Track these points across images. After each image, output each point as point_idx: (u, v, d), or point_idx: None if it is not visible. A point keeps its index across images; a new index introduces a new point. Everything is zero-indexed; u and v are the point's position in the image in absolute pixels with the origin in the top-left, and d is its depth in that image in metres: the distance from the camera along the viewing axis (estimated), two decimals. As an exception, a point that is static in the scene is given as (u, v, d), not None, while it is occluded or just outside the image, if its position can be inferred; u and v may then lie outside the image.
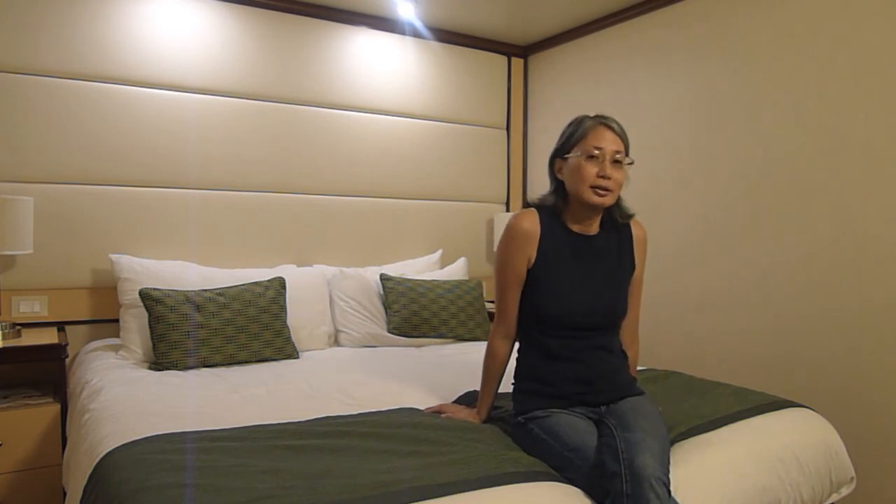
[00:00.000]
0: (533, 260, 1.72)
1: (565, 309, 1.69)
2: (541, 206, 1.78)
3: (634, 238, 1.82)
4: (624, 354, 1.80)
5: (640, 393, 1.74)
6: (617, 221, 1.78)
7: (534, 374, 1.73)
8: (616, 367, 1.74)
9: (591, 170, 1.64)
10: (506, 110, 4.01)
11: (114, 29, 2.82)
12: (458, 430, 1.68)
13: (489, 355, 1.83)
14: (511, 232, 1.74)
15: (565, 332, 1.70)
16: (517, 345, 1.85)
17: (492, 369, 1.82)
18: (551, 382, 1.69)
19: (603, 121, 1.68)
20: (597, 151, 1.65)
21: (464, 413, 1.85)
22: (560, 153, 1.73)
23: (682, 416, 1.79)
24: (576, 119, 1.73)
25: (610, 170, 1.64)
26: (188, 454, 1.47)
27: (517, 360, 1.82)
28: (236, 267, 2.96)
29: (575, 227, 1.75)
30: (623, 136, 1.68)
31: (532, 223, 1.73)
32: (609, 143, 1.65)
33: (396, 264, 3.43)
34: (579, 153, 1.66)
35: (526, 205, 1.81)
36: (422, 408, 1.93)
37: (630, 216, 1.80)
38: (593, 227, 1.76)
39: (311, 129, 3.31)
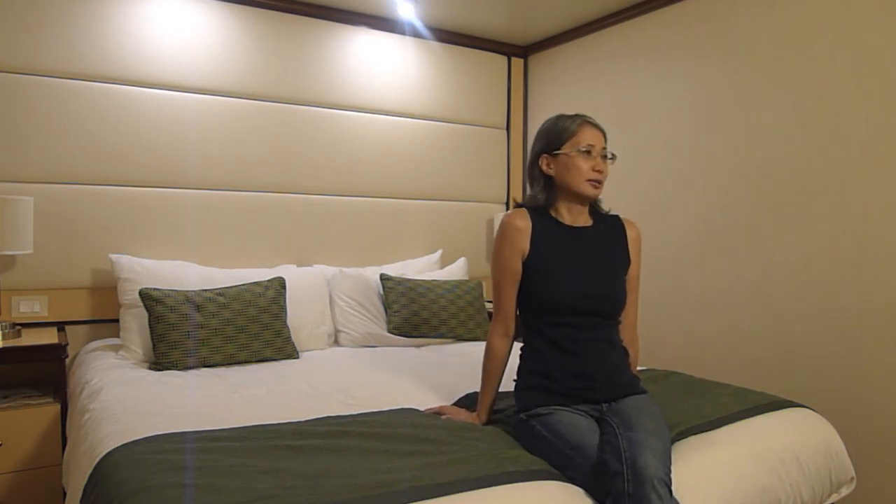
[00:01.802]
0: (527, 252, 1.77)
1: (564, 291, 1.73)
2: (531, 206, 1.85)
3: (629, 237, 1.88)
4: (626, 351, 1.81)
5: (643, 392, 1.75)
6: (600, 212, 1.89)
7: (535, 370, 1.75)
8: (617, 363, 1.75)
9: (586, 164, 1.76)
10: (506, 110, 4.01)
11: (114, 29, 2.82)
12: (458, 430, 1.68)
13: (488, 353, 1.85)
14: (503, 229, 1.81)
15: (566, 319, 1.73)
16: (520, 342, 1.86)
17: (491, 368, 1.84)
18: (553, 378, 1.70)
19: (589, 119, 1.81)
20: (590, 147, 1.76)
21: (463, 415, 1.85)
22: (549, 150, 1.80)
23: (682, 416, 1.79)
24: (556, 118, 1.83)
25: (601, 164, 1.77)
26: (188, 454, 1.47)
27: (520, 356, 1.83)
28: (236, 267, 2.96)
29: (566, 221, 1.82)
30: (605, 134, 1.81)
31: (523, 220, 1.80)
32: (598, 139, 1.78)
33: (396, 264, 3.43)
34: (572, 150, 1.76)
35: (517, 206, 1.87)
36: (422, 408, 1.93)
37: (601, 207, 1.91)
38: (584, 220, 1.84)
39: (311, 129, 3.31)
